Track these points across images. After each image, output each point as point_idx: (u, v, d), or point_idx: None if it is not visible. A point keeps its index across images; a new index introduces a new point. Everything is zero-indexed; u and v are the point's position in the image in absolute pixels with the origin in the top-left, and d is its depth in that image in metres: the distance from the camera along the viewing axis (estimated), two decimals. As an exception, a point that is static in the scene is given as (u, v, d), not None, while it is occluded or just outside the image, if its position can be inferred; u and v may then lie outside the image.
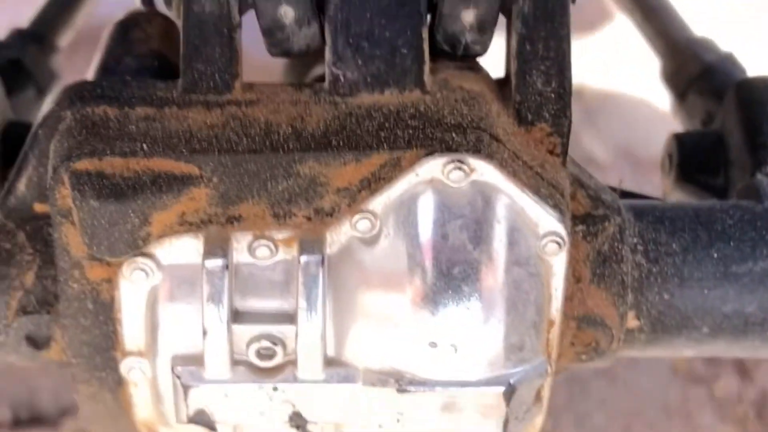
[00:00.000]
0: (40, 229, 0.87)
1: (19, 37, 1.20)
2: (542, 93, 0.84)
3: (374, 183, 0.80)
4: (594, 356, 0.91)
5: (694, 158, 1.05)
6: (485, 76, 0.87)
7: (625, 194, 0.98)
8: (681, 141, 1.06)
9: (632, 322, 0.90)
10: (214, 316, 0.81)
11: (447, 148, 0.80)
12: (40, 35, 1.21)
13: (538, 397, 0.86)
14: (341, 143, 0.80)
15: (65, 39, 1.24)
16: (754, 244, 0.90)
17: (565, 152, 0.85)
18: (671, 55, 1.23)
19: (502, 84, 0.88)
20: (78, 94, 0.82)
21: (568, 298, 0.87)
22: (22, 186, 0.86)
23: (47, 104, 0.84)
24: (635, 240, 0.89)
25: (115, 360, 0.86)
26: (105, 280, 0.83)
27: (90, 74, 0.90)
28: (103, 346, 0.85)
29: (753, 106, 1.01)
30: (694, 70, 1.17)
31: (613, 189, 0.95)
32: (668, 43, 1.24)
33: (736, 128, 1.02)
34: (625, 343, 0.91)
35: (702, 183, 1.05)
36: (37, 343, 0.88)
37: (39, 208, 0.87)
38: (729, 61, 1.18)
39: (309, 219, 0.81)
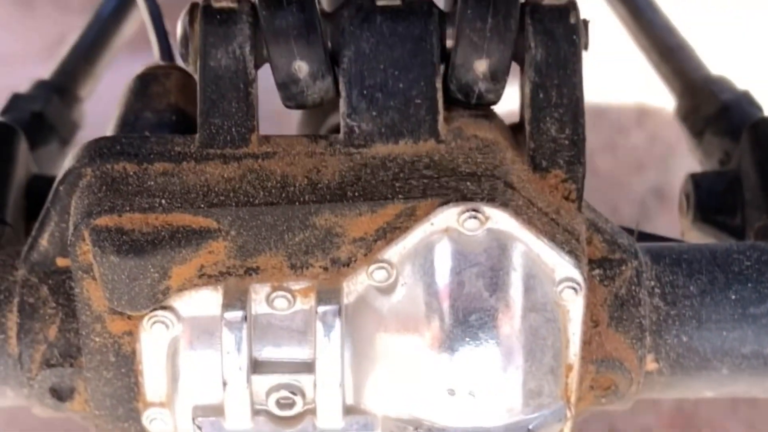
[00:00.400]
0: (62, 283, 0.88)
1: (42, 88, 1.21)
2: (556, 140, 0.85)
3: (390, 233, 0.81)
4: (613, 399, 0.91)
5: (711, 199, 1.06)
6: (499, 123, 0.88)
7: (643, 236, 0.98)
8: (697, 182, 1.07)
9: (651, 364, 0.90)
10: (234, 366, 0.82)
11: (462, 197, 0.81)
12: (62, 86, 1.23)
13: (557, 441, 0.86)
14: (356, 194, 0.81)
15: (88, 90, 1.26)
16: None
17: (580, 197, 0.86)
18: (687, 94, 1.23)
19: (515, 130, 0.89)
20: (98, 150, 0.84)
21: (586, 342, 0.88)
22: (44, 241, 0.88)
23: (68, 160, 0.86)
24: (652, 283, 0.90)
25: (137, 411, 0.87)
26: (126, 333, 0.84)
27: (109, 130, 0.92)
28: (125, 397, 0.86)
29: (767, 146, 1.01)
30: (711, 109, 1.18)
31: (630, 231, 0.96)
32: (685, 81, 1.25)
33: (751, 169, 1.02)
34: (645, 385, 0.91)
35: (719, 223, 1.05)
36: (60, 395, 0.89)
37: (61, 262, 0.88)
38: (745, 99, 1.18)
39: (326, 269, 0.82)
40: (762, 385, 0.92)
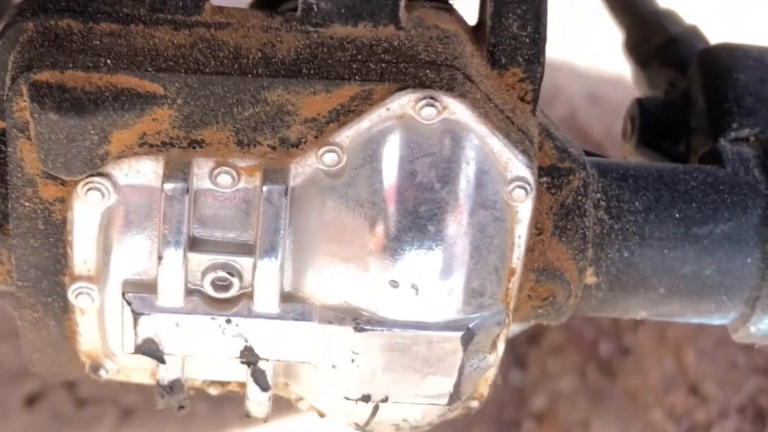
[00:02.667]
0: None
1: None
2: (517, 37, 0.83)
3: (343, 115, 0.78)
4: (550, 311, 0.90)
5: (656, 123, 1.05)
6: (460, 18, 0.86)
7: (589, 154, 0.97)
8: (644, 106, 1.05)
9: (590, 278, 0.89)
10: (171, 241, 0.78)
11: (420, 84, 0.78)
12: None
13: (493, 346, 0.85)
14: (312, 72, 0.78)
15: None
16: (716, 207, 0.89)
17: (536, 100, 0.84)
18: (635, 26, 1.22)
19: (475, 29, 0.86)
20: (41, 5, 0.80)
21: (529, 250, 0.86)
22: None
23: (7, 13, 0.81)
24: (599, 195, 0.88)
25: (62, 285, 0.83)
26: (58, 199, 0.80)
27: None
28: (51, 269, 0.83)
29: (717, 73, 1.01)
30: (659, 40, 1.17)
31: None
32: (633, 14, 1.24)
33: (699, 95, 1.01)
34: (582, 299, 0.90)
35: (663, 149, 1.04)
36: (-19, 264, 0.85)
37: None
38: (694, 32, 1.17)
39: (274, 148, 0.79)
40: (696, 307, 0.92)
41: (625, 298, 0.90)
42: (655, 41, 1.17)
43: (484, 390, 0.90)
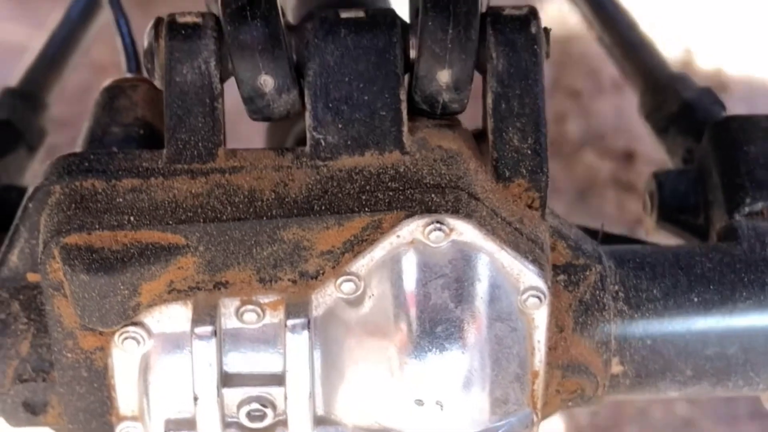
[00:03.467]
0: (33, 299, 0.88)
1: (8, 96, 1.21)
2: (519, 150, 0.86)
3: (357, 245, 0.82)
4: (580, 402, 0.92)
5: (674, 198, 1.07)
6: (463, 133, 0.89)
7: (608, 237, 0.99)
8: (661, 181, 1.08)
9: (616, 367, 0.91)
10: (204, 380, 0.83)
11: (426, 209, 0.82)
12: (28, 93, 1.23)
13: (525, 447, 0.88)
14: (323, 207, 0.82)
15: (54, 95, 1.26)
16: (734, 287, 0.91)
17: (543, 205, 0.87)
18: (650, 91, 1.24)
19: (479, 138, 0.90)
20: (66, 167, 0.84)
21: (552, 348, 0.89)
22: (14, 257, 0.88)
23: (37, 177, 0.86)
24: (617, 287, 0.91)
25: (110, 424, 0.88)
26: (98, 348, 0.85)
27: (78, 145, 0.92)
28: (98, 411, 0.87)
29: (730, 146, 1.03)
30: (673, 107, 1.19)
31: (595, 231, 0.97)
32: (647, 79, 1.26)
33: (713, 169, 1.03)
34: (610, 388, 0.92)
35: (683, 223, 1.06)
36: (33, 409, 0.90)
37: (31, 278, 0.89)
38: (707, 96, 1.19)
39: (294, 282, 0.83)
40: (725, 385, 0.94)
41: (653, 382, 0.93)
42: (669, 108, 1.19)
43: (523, 485, 0.92)
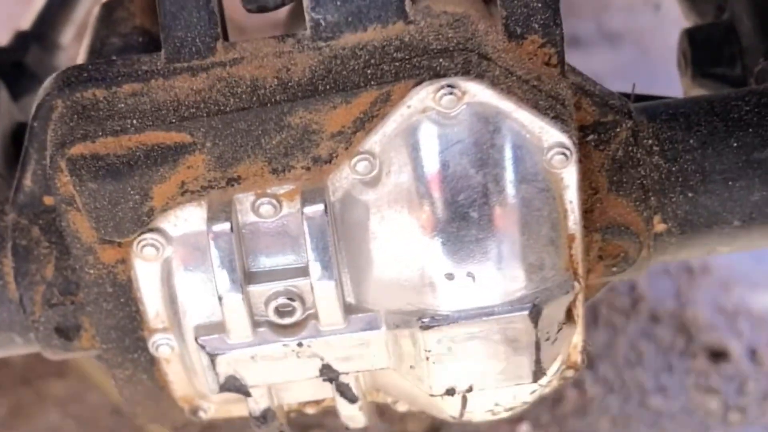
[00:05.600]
0: (52, 222, 0.87)
1: (21, 39, 1.20)
2: (529, 4, 0.81)
3: (368, 122, 0.79)
4: (625, 267, 0.88)
5: (708, 51, 1.02)
6: None
7: (640, 98, 0.95)
8: (693, 36, 1.03)
9: (659, 226, 0.87)
10: (227, 280, 0.80)
11: (435, 74, 0.78)
12: (41, 35, 1.21)
13: (569, 315, 0.84)
14: (328, 87, 0.79)
15: (67, 36, 1.24)
16: None
17: (562, 61, 0.83)
18: None
19: (486, 2, 0.86)
20: (66, 80, 0.82)
21: (588, 211, 0.85)
22: (28, 181, 0.87)
23: (38, 94, 0.84)
24: (650, 141, 0.87)
25: (143, 339, 0.86)
26: (119, 261, 0.83)
27: (79, 59, 0.90)
28: (129, 327, 0.85)
29: None
30: None
31: (627, 95, 0.93)
32: None
33: (745, 13, 0.98)
34: (656, 249, 0.88)
35: (720, 76, 1.02)
36: (67, 333, 0.88)
37: (48, 201, 0.87)
38: None
39: (308, 169, 0.80)
40: None
41: (701, 238, 0.88)
42: None
43: (577, 358, 0.89)
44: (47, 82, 0.84)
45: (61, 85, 0.82)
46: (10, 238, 0.87)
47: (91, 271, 0.84)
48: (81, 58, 0.91)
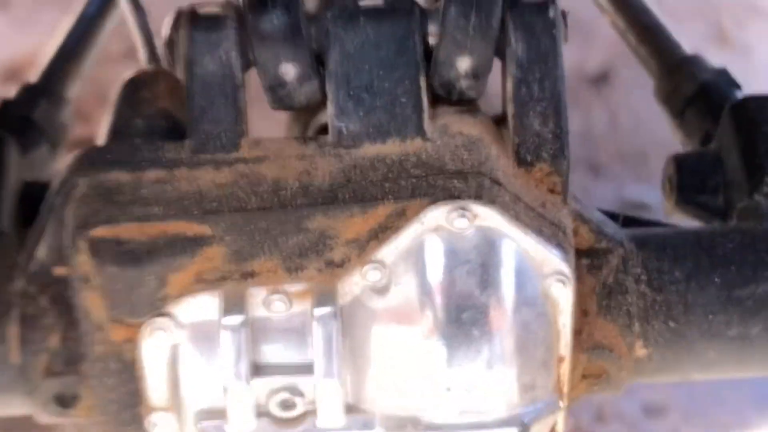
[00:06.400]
0: (61, 293, 0.89)
1: (29, 92, 1.21)
2: (540, 134, 0.86)
3: (382, 233, 0.83)
4: (605, 386, 0.93)
5: (693, 180, 1.07)
6: (484, 118, 0.90)
7: (628, 219, 1.00)
8: (680, 163, 1.08)
9: (640, 351, 0.92)
10: (234, 371, 0.83)
11: (450, 195, 0.82)
12: (49, 89, 1.23)
13: None
14: (347, 196, 0.83)
15: (74, 90, 1.27)
16: (755, 267, 0.92)
17: (565, 190, 0.88)
18: (666, 75, 1.24)
19: (498, 123, 0.90)
20: (90, 160, 0.85)
21: (577, 332, 0.90)
22: (41, 253, 0.89)
23: (61, 171, 0.87)
24: (639, 270, 0.91)
25: (140, 416, 0.88)
26: (127, 340, 0.86)
27: (101, 137, 0.93)
28: (128, 402, 0.88)
29: (749, 127, 1.03)
30: (690, 89, 1.19)
31: (616, 215, 0.97)
32: (662, 62, 1.26)
33: (732, 149, 1.03)
34: (635, 371, 0.93)
35: (702, 204, 1.07)
36: (65, 402, 0.91)
37: (59, 271, 0.90)
38: (723, 78, 1.19)
39: (320, 271, 0.83)
40: (748, 366, 0.94)
41: (677, 365, 0.93)
42: (685, 90, 1.19)
43: (553, 471, 0.93)
44: (71, 159, 0.87)
45: (85, 164, 0.85)
46: (17, 305, 0.90)
47: (99, 347, 0.86)
48: (102, 134, 0.94)
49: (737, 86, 1.18)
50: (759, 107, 1.04)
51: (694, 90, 1.19)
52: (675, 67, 1.24)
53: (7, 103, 1.18)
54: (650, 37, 1.30)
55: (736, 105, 1.06)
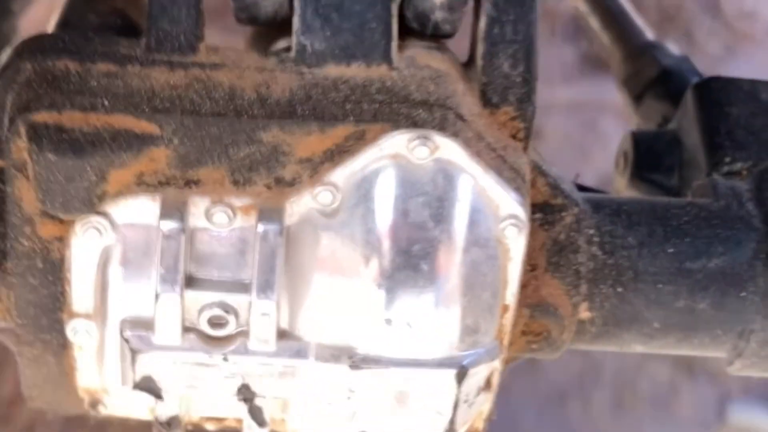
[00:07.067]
0: None
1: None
2: (509, 76, 0.84)
3: (337, 155, 0.79)
4: (544, 346, 0.90)
5: (649, 157, 1.06)
6: (452, 57, 0.87)
7: (581, 188, 0.98)
8: (637, 140, 1.07)
9: (584, 313, 0.90)
10: (167, 279, 0.79)
11: (413, 123, 0.79)
12: None
13: (488, 382, 0.86)
14: (306, 113, 0.79)
15: (20, 4, 1.22)
16: (709, 242, 0.90)
17: (528, 137, 0.85)
18: (629, 59, 1.24)
19: (466, 67, 0.88)
20: (39, 46, 0.81)
21: (523, 286, 0.87)
22: None
23: (5, 54, 0.82)
24: (592, 231, 0.89)
25: (61, 322, 0.84)
26: (57, 238, 0.81)
27: (50, 28, 0.89)
28: (50, 306, 0.83)
29: (710, 107, 1.02)
30: (651, 73, 1.18)
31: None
32: (626, 47, 1.25)
33: (693, 129, 1.02)
34: (576, 334, 0.91)
35: (656, 182, 1.06)
36: (-21, 301, 0.86)
37: None
38: (685, 64, 1.19)
39: (269, 188, 0.80)
40: (690, 341, 0.92)
41: (620, 332, 0.91)
42: (646, 74, 1.19)
43: (479, 425, 0.90)
44: (18, 44, 0.82)
45: (33, 50, 0.81)
46: None
47: (25, 243, 0.82)
48: (52, 27, 0.89)
49: (698, 74, 1.18)
50: (722, 88, 1.03)
51: (655, 74, 1.18)
52: (637, 52, 1.23)
53: None
54: (613, 21, 1.29)
55: (700, 85, 1.05)
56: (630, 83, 1.21)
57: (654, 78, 1.18)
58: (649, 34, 1.26)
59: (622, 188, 1.09)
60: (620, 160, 1.09)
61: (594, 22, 1.34)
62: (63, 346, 0.85)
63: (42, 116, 0.77)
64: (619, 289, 0.89)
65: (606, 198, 0.93)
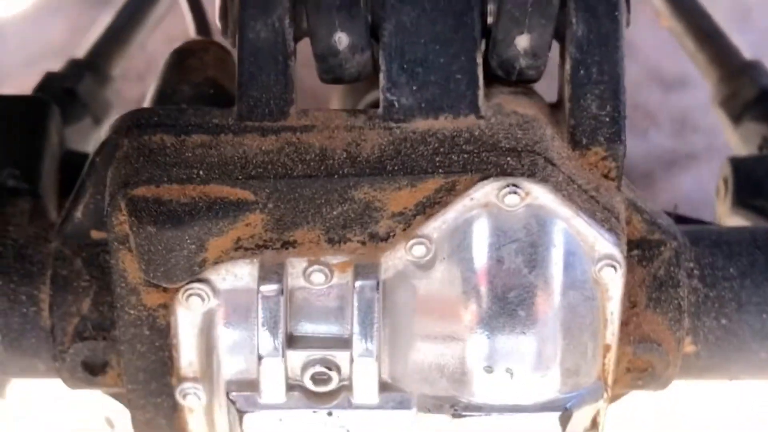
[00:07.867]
0: (96, 256, 0.87)
1: (75, 67, 1.21)
2: (597, 117, 0.84)
3: (429, 208, 0.80)
4: (650, 381, 0.90)
5: (749, 183, 1.05)
6: (539, 100, 0.87)
7: (680, 219, 0.97)
8: (737, 166, 1.05)
9: (689, 347, 0.89)
10: (269, 341, 0.81)
11: (502, 172, 0.80)
12: (95, 65, 1.23)
13: (594, 423, 0.85)
14: (396, 168, 0.80)
15: (119, 68, 1.26)
16: None
17: (620, 176, 0.85)
18: (725, 80, 1.22)
19: (554, 108, 0.88)
20: (135, 121, 0.83)
21: (624, 323, 0.87)
22: (79, 213, 0.87)
23: (104, 131, 0.85)
24: (691, 265, 0.88)
25: (170, 386, 0.86)
26: (161, 305, 0.83)
27: (146, 102, 0.91)
28: (158, 371, 0.86)
29: None
30: (750, 95, 1.17)
31: (668, 214, 0.95)
32: (721, 68, 1.24)
33: None
34: (682, 368, 0.90)
35: (758, 208, 1.04)
36: (93, 368, 0.89)
37: (96, 235, 0.88)
38: None
39: (364, 244, 0.81)
40: None
41: (727, 364, 0.90)
42: (744, 96, 1.17)
43: (590, 464, 0.90)
44: (116, 120, 0.85)
45: (130, 125, 0.83)
46: (50, 267, 0.88)
47: (132, 312, 0.84)
48: (148, 101, 0.92)
49: (797, 92, 1.16)
50: None
51: (754, 95, 1.17)
52: (734, 73, 1.21)
53: (52, 75, 1.18)
54: (709, 42, 1.28)
55: None
56: (728, 105, 1.20)
57: (752, 99, 1.16)
58: (746, 54, 1.24)
59: (725, 215, 1.08)
60: (720, 186, 1.08)
61: (688, 43, 1.32)
62: (174, 408, 0.87)
63: (141, 191, 0.79)
64: (723, 321, 0.88)
65: (705, 229, 0.92)
